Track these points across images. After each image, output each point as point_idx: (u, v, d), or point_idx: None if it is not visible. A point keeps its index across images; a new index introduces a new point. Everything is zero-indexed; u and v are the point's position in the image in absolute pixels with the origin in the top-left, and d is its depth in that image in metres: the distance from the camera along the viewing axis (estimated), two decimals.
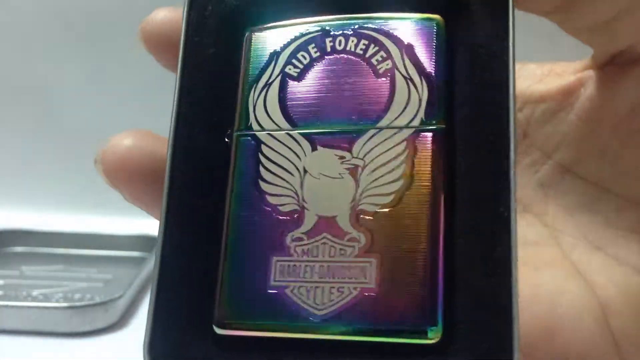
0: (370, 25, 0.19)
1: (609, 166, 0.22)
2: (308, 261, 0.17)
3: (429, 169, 0.17)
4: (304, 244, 0.17)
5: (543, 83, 0.25)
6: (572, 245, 0.23)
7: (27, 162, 0.63)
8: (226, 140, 0.19)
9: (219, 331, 0.17)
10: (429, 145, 0.17)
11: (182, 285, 0.18)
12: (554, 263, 0.23)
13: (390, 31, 0.19)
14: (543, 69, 0.25)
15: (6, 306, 0.43)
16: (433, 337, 0.16)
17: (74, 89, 0.61)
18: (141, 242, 0.55)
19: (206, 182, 0.19)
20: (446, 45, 0.18)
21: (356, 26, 0.19)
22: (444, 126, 0.17)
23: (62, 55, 0.60)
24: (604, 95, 0.22)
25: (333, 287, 0.17)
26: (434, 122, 0.18)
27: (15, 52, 0.61)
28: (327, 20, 0.19)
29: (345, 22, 0.19)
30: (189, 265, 0.18)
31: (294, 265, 0.17)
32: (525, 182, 0.25)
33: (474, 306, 0.16)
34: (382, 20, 0.19)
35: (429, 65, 0.18)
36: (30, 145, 0.63)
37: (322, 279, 0.17)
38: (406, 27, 0.19)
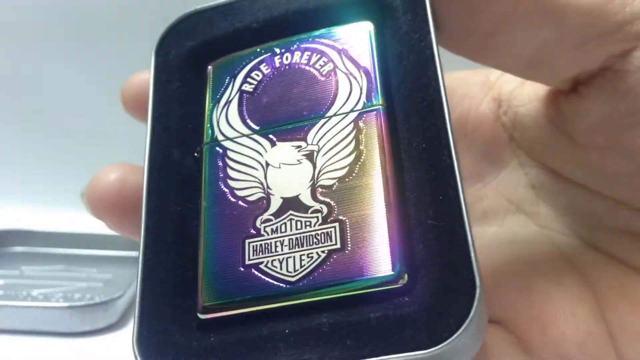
0: (311, 40, 0.22)
1: (593, 172, 0.22)
2: (277, 237, 0.19)
3: (375, 140, 0.20)
4: (273, 224, 0.19)
5: (524, 88, 0.25)
6: (565, 244, 0.23)
7: (27, 162, 0.63)
8: (195, 155, 0.22)
9: (203, 317, 0.19)
10: (373, 122, 0.20)
11: (164, 282, 0.20)
12: (548, 259, 0.23)
13: (328, 41, 0.22)
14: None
15: (6, 306, 0.43)
16: (399, 282, 0.18)
17: (74, 89, 0.61)
18: None
19: (180, 190, 0.21)
20: (378, 43, 0.21)
21: (299, 43, 0.22)
22: (384, 105, 0.20)
23: (63, 55, 0.60)
24: (573, 110, 0.22)
25: (303, 255, 0.19)
26: (375, 103, 0.20)
27: (16, 52, 0.61)
28: (275, 44, 0.22)
29: (289, 41, 0.22)
30: (168, 264, 0.20)
31: (266, 243, 0.19)
32: (516, 183, 0.25)
33: (432, 248, 0.18)
34: (321, 34, 0.22)
35: (365, 61, 0.21)
36: (30, 145, 0.63)
37: (292, 250, 0.19)
38: (341, 35, 0.22)
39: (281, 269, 0.19)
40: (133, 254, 0.55)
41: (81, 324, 0.43)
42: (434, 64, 0.19)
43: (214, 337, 0.19)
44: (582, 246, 0.23)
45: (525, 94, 0.24)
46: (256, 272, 0.19)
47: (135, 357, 0.18)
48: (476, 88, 0.26)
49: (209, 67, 0.23)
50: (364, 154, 0.20)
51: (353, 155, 0.20)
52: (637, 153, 0.21)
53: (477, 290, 0.16)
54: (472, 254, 0.17)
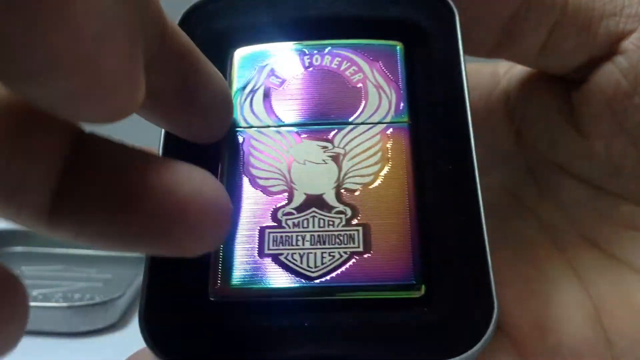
0: (343, 47, 0.23)
1: (600, 166, 0.22)
2: (299, 232, 0.19)
3: (401, 154, 0.20)
4: (295, 218, 0.20)
5: (533, 81, 0.25)
6: (566, 242, 0.23)
7: None
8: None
9: (215, 299, 0.19)
10: (400, 137, 0.21)
11: (172, 264, 0.19)
12: (548, 259, 0.23)
13: (360, 52, 0.22)
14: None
15: None
16: (418, 292, 0.19)
17: None
18: None
19: None
20: (407, 63, 0.22)
21: (330, 48, 0.23)
22: (410, 123, 0.21)
23: None
24: (579, 99, 0.22)
25: (324, 252, 0.19)
26: (403, 119, 0.21)
27: None
28: (305, 43, 0.23)
29: (320, 44, 0.23)
30: None
31: (286, 235, 0.19)
32: (519, 178, 0.25)
33: (452, 265, 0.19)
34: (352, 44, 0.23)
35: (394, 77, 0.22)
36: None
37: (314, 246, 0.19)
38: (373, 49, 0.23)
39: (302, 263, 0.19)
40: (133, 254, 0.55)
41: (81, 324, 0.43)
42: (463, 93, 0.21)
43: (225, 320, 0.19)
44: (583, 245, 0.23)
45: (534, 86, 0.25)
46: (275, 263, 0.19)
47: (143, 336, 0.18)
48: (486, 80, 0.26)
49: (235, 52, 0.23)
50: (389, 166, 0.20)
51: (378, 166, 0.20)
52: None
53: (495, 310, 0.18)
54: (491, 273, 0.18)
